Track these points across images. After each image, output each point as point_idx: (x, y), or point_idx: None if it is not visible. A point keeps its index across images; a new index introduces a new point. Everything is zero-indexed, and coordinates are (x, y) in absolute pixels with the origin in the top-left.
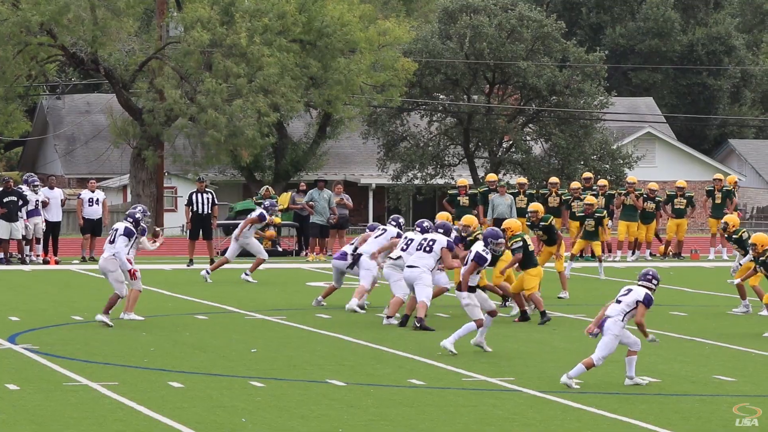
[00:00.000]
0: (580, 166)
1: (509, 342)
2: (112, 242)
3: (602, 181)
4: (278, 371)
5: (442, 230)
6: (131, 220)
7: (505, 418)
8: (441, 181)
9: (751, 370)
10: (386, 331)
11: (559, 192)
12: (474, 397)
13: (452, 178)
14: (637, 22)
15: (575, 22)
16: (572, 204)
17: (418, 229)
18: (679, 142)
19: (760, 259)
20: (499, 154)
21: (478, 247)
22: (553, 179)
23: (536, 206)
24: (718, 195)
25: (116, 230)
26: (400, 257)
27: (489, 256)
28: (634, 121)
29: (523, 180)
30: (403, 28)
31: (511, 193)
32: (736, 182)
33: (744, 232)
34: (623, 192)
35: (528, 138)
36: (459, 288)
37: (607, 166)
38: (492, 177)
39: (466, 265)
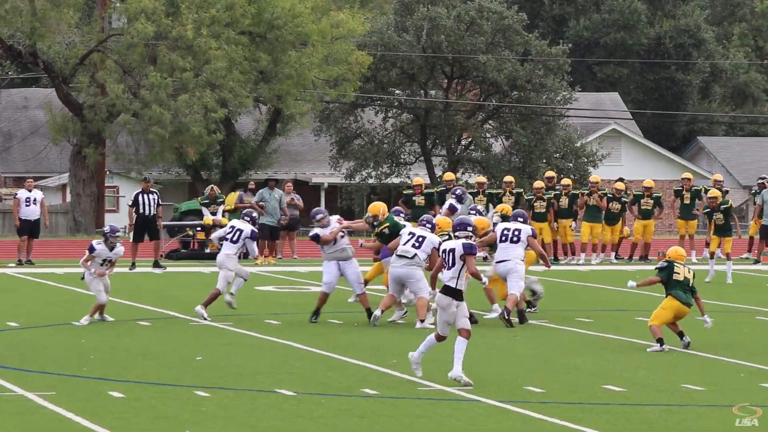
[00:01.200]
0: (542, 165)
1: (468, 349)
2: (235, 242)
3: (565, 181)
4: (225, 380)
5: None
6: (249, 219)
7: (462, 429)
8: (396, 180)
9: (720, 379)
10: (338, 338)
11: (514, 191)
12: (430, 407)
13: (408, 177)
14: (602, 14)
15: (537, 13)
16: (535, 204)
17: (427, 225)
18: (645, 139)
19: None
20: (458, 151)
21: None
22: (508, 178)
23: (503, 207)
24: (687, 195)
25: (240, 231)
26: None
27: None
28: (598, 118)
29: (483, 179)
30: (358, 19)
31: (470, 193)
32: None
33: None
34: (586, 192)
35: (488, 135)
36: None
37: (571, 164)
38: (449, 176)
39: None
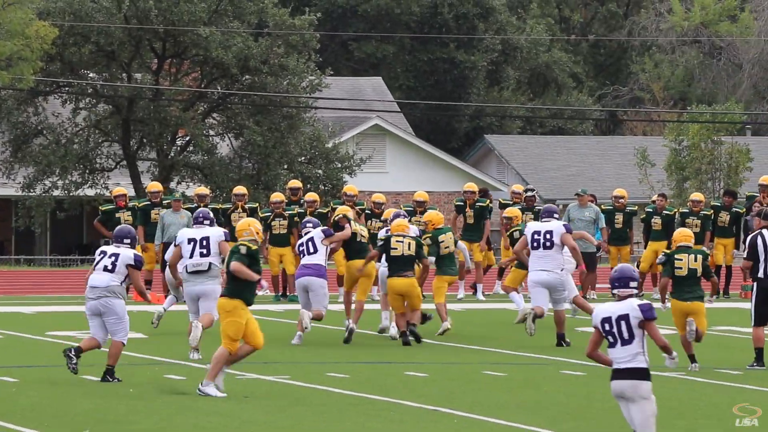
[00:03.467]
0: (282, 172)
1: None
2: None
3: (311, 195)
4: None
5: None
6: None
7: None
8: (91, 192)
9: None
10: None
11: (246, 206)
12: None
13: (107, 188)
14: None
15: None
16: (272, 224)
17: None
18: (418, 138)
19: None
20: (172, 154)
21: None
22: (238, 190)
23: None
24: (470, 213)
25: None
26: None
27: None
28: (357, 110)
29: (205, 191)
30: None
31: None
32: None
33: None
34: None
35: (211, 132)
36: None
37: (321, 171)
38: (155, 186)
39: None
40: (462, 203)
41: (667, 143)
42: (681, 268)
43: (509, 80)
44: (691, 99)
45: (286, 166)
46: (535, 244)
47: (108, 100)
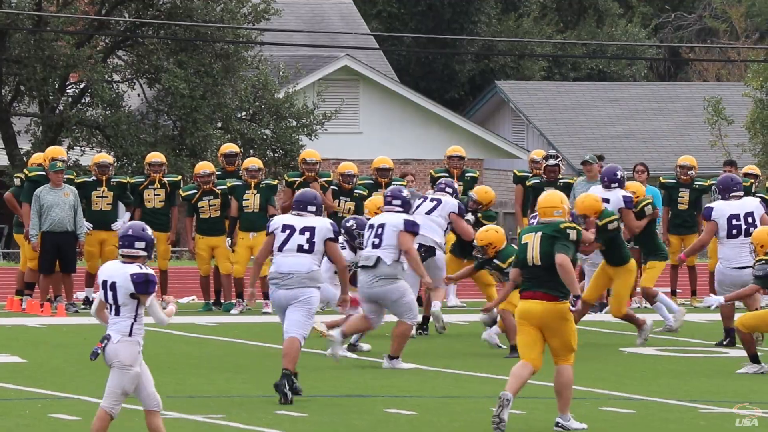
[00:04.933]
0: (216, 132)
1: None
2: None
3: (253, 161)
4: None
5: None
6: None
7: None
8: None
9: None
10: None
11: (165, 179)
12: None
13: None
14: None
15: None
16: (199, 204)
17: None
18: (402, 86)
19: None
20: (61, 107)
21: None
22: (154, 158)
23: None
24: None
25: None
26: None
27: None
28: (319, 46)
29: (107, 158)
30: None
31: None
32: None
33: None
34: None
35: (116, 78)
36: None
37: (269, 131)
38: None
39: None
40: (445, 173)
41: (750, 92)
42: None
43: (531, 5)
44: None
45: (220, 125)
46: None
47: None
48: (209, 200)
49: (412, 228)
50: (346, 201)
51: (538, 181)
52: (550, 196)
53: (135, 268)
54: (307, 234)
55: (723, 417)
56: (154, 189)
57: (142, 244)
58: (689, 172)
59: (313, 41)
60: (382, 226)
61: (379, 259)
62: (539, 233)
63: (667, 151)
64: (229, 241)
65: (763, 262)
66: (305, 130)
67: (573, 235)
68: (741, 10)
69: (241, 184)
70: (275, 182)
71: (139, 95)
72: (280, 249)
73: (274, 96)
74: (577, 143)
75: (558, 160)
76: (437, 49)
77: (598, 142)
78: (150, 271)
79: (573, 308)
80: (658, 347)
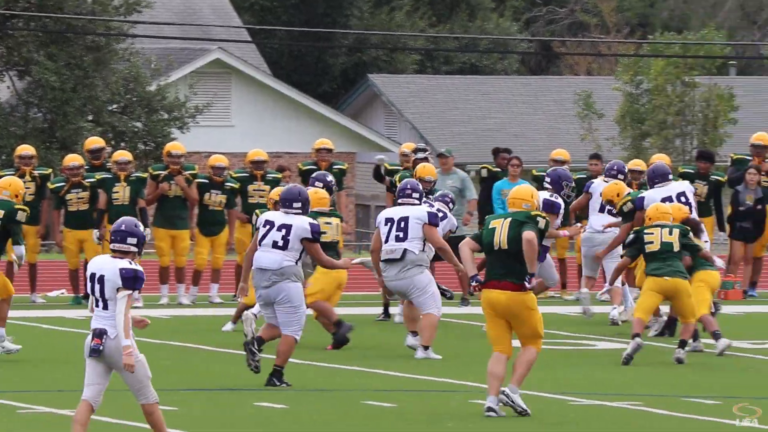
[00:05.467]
0: (87, 125)
1: None
2: None
3: (122, 154)
4: None
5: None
6: None
7: None
8: None
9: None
10: None
11: (35, 172)
12: None
13: None
14: None
15: None
16: (67, 198)
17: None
18: (275, 79)
19: None
20: None
21: None
22: (23, 150)
23: None
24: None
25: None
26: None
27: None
28: (191, 39)
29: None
30: None
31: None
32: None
33: None
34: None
35: None
36: None
37: (140, 124)
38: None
39: None
40: (314, 166)
41: (620, 86)
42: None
43: None
44: (654, 25)
45: (91, 117)
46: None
47: None
48: (77, 193)
49: (434, 220)
50: (217, 194)
51: (408, 174)
52: (521, 189)
53: (125, 263)
54: (284, 231)
55: (592, 409)
56: (25, 182)
57: (134, 240)
58: (563, 167)
59: (185, 34)
60: (405, 219)
61: (405, 251)
62: (508, 219)
63: (539, 145)
64: (97, 234)
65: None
66: (177, 123)
67: (542, 223)
68: (612, 4)
69: (110, 176)
70: (145, 175)
71: (9, 87)
72: (260, 243)
73: (145, 89)
74: (449, 136)
75: (427, 153)
76: (310, 43)
77: (470, 135)
78: (140, 267)
79: (528, 285)
80: None
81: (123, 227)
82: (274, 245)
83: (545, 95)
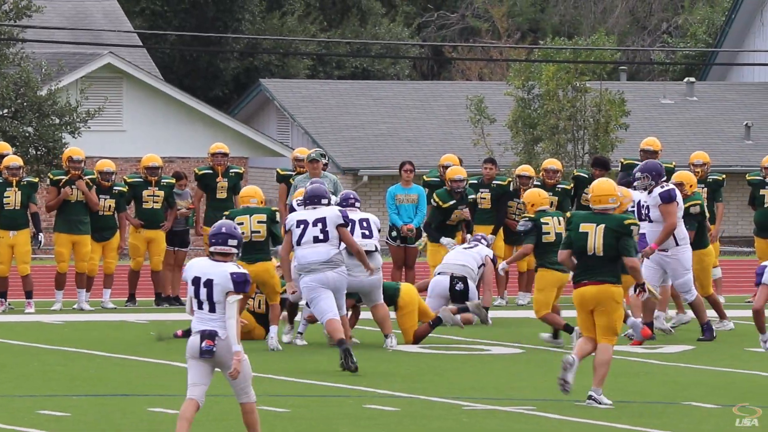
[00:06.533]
0: None
1: None
2: None
3: (12, 159)
4: None
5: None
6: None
7: None
8: None
9: None
10: None
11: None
12: None
13: None
14: None
15: None
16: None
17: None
18: (167, 83)
19: None
20: None
21: None
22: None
23: None
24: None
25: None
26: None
27: None
28: (82, 43)
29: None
30: None
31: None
32: None
33: None
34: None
35: None
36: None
37: (31, 129)
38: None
39: None
40: (210, 171)
41: (512, 90)
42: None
43: (294, 3)
44: (545, 30)
45: None
46: None
47: None
48: None
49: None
50: (105, 199)
51: (302, 177)
52: (603, 185)
53: (234, 267)
54: (320, 225)
55: (486, 414)
56: None
57: (235, 242)
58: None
59: (76, 39)
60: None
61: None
62: (602, 226)
63: (431, 150)
64: None
65: (527, 219)
66: (68, 127)
67: (636, 231)
68: (503, 9)
69: (1, 181)
70: (36, 180)
71: None
72: (299, 243)
73: (36, 93)
74: (342, 141)
75: (324, 157)
76: (201, 47)
77: (363, 140)
78: (246, 271)
79: (640, 298)
80: (423, 345)
81: (223, 230)
82: (316, 240)
83: (437, 100)
